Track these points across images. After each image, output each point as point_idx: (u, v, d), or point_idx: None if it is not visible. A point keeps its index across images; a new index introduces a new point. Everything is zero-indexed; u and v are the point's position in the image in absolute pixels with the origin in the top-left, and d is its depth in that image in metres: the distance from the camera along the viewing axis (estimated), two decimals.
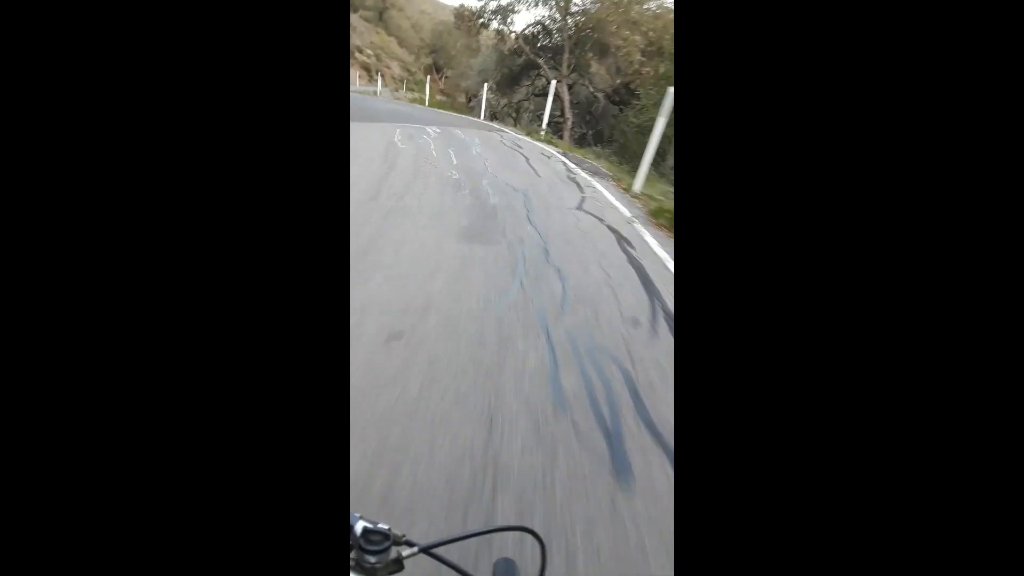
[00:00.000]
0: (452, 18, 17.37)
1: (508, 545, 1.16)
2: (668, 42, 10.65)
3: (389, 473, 1.36)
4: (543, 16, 13.90)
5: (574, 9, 12.80)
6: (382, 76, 22.03)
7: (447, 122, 10.51)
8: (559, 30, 13.48)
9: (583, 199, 4.75)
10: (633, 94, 11.61)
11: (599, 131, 12.99)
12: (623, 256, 3.28)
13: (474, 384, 1.79)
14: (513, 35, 14.54)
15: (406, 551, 0.42)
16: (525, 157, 6.85)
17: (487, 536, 1.07)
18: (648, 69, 11.52)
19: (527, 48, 14.11)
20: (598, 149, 9.22)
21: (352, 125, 6.24)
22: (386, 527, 0.41)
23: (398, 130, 7.88)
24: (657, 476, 1.47)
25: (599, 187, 5.41)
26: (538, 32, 14.17)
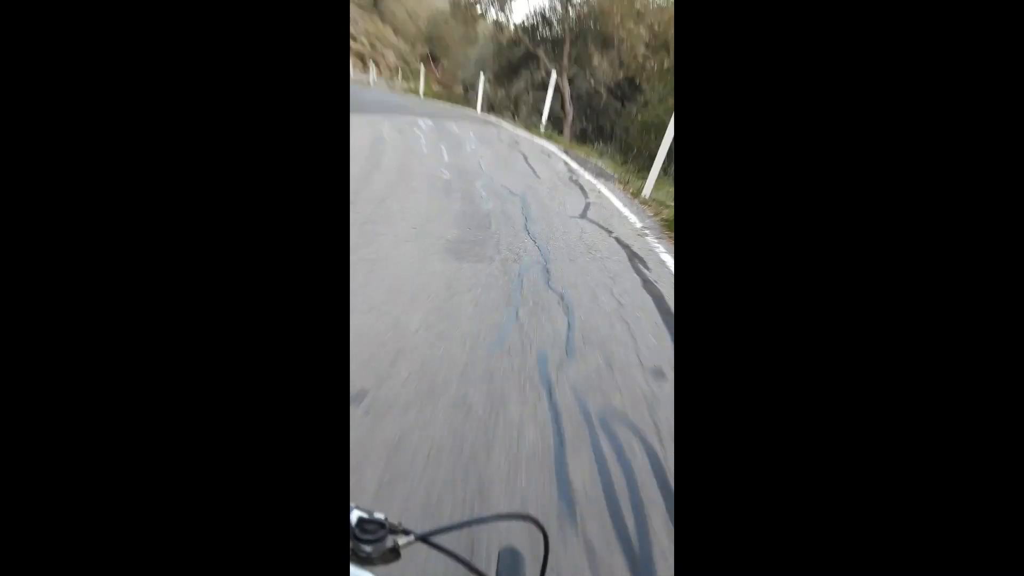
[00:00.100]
0: (449, 6, 16.77)
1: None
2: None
3: None
4: (543, 5, 13.44)
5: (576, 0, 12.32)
6: (376, 65, 21.32)
7: (442, 114, 9.98)
8: (560, 21, 12.97)
9: (587, 205, 4.27)
10: (637, 89, 11.17)
11: (600, 126, 12.55)
12: (637, 279, 2.82)
13: (451, 479, 1.33)
14: (512, 26, 14.03)
15: (402, 540, 0.42)
16: (523, 155, 6.36)
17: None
18: (653, 63, 11.10)
19: (526, 39, 13.60)
20: (601, 146, 8.72)
21: None
22: (382, 516, 0.42)
23: (388, 123, 7.37)
24: None
25: (604, 191, 4.94)
26: (538, 22, 13.67)
